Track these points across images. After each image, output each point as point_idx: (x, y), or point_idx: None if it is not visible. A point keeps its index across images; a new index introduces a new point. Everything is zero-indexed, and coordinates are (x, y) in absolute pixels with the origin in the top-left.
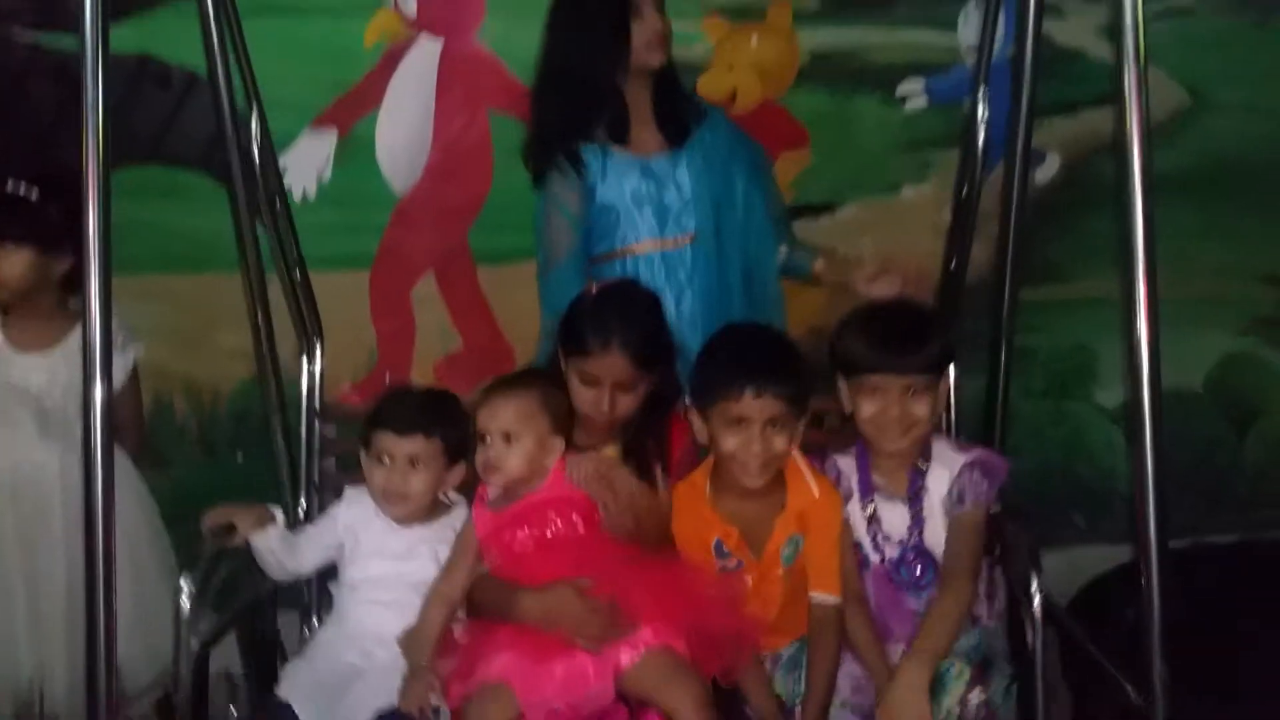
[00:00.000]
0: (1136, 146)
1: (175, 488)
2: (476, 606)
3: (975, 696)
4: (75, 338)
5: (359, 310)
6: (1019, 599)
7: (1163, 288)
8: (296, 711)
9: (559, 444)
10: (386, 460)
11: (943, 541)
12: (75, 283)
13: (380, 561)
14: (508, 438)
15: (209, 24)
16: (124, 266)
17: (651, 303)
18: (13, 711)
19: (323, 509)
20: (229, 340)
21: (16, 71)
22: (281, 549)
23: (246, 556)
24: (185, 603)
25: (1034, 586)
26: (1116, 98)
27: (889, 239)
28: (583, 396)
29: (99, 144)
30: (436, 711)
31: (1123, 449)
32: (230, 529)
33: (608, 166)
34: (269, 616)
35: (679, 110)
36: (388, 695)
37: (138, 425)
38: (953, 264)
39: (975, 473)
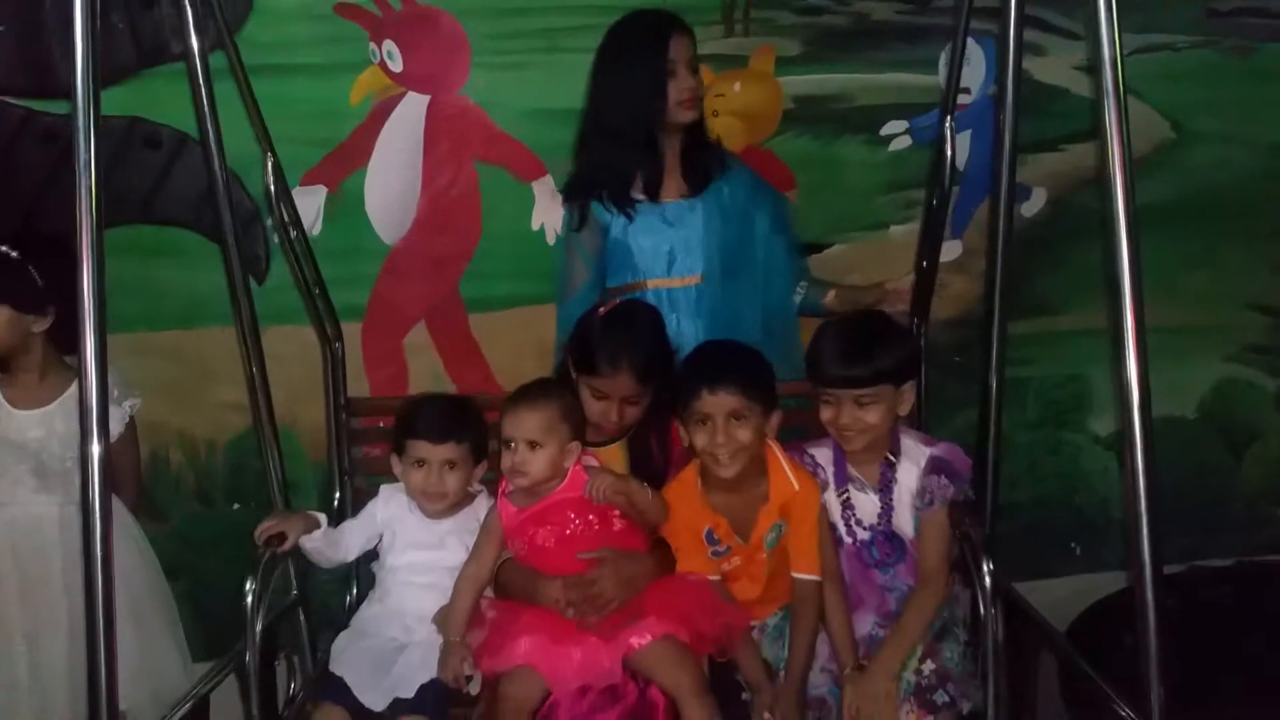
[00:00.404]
0: (1119, 180)
1: (173, 539)
2: (503, 587)
3: (928, 666)
4: (71, 393)
5: (352, 361)
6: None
7: (1152, 317)
8: (349, 683)
9: (577, 447)
10: (422, 465)
11: (909, 523)
12: (64, 340)
13: (416, 551)
14: (533, 445)
15: (199, 87)
16: (116, 324)
17: (654, 320)
18: None
19: (355, 497)
20: (223, 393)
21: (8, 137)
22: (326, 545)
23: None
24: (250, 599)
25: (984, 569)
26: (1098, 133)
27: (877, 277)
28: (593, 408)
29: (91, 206)
30: (470, 679)
31: (1118, 477)
32: (281, 537)
33: (626, 216)
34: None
35: (704, 162)
36: (428, 669)
37: (136, 478)
38: (923, 264)
39: (941, 477)
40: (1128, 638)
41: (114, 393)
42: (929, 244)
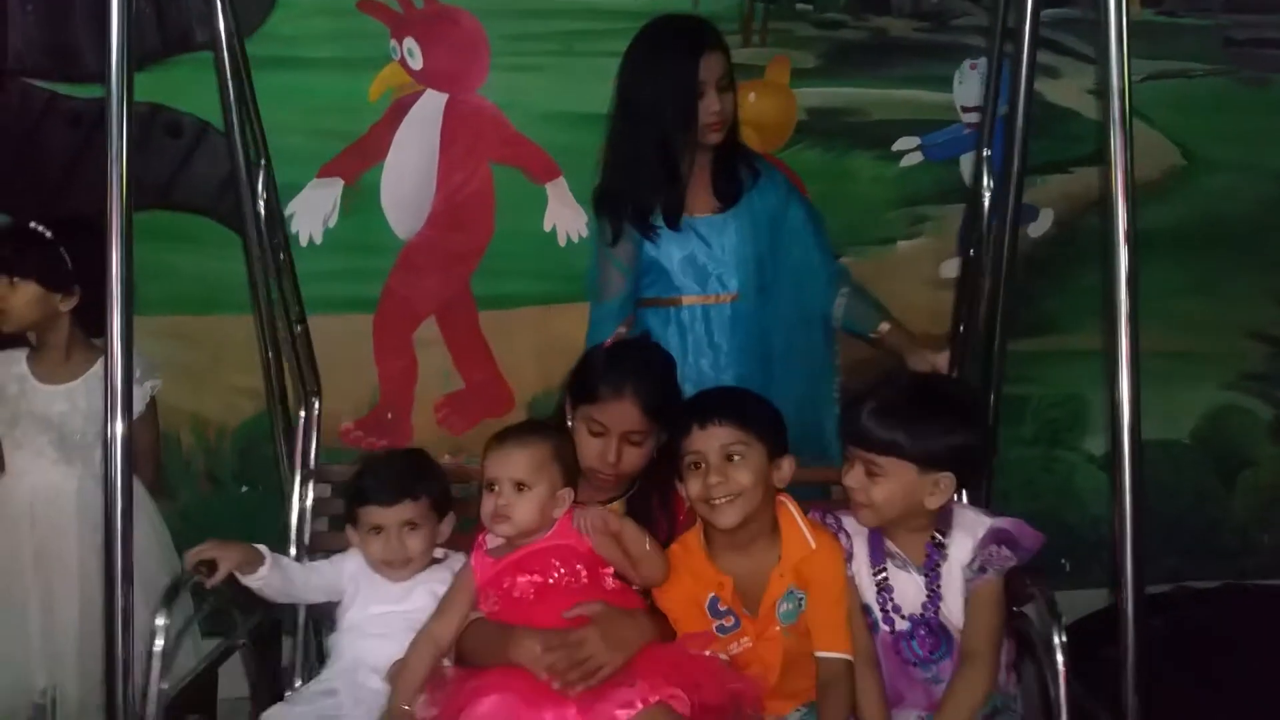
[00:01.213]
0: (1121, 205)
1: (180, 519)
2: (467, 652)
3: None
4: (95, 371)
5: (363, 351)
6: (1036, 651)
7: (1151, 342)
8: None
9: (568, 495)
10: (379, 532)
11: (959, 614)
12: (88, 319)
13: (379, 605)
14: (520, 486)
15: (225, 79)
16: (137, 307)
17: (665, 359)
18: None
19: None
20: (235, 378)
21: (35, 120)
22: (280, 580)
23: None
24: (158, 642)
25: (1055, 641)
26: (1103, 158)
27: (884, 292)
28: (589, 448)
29: (121, 190)
30: None
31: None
32: (213, 565)
33: (659, 229)
34: (273, 647)
35: (734, 176)
36: None
37: (154, 457)
38: (960, 328)
39: (1002, 548)
40: (1108, 652)
41: (136, 373)
42: (967, 304)
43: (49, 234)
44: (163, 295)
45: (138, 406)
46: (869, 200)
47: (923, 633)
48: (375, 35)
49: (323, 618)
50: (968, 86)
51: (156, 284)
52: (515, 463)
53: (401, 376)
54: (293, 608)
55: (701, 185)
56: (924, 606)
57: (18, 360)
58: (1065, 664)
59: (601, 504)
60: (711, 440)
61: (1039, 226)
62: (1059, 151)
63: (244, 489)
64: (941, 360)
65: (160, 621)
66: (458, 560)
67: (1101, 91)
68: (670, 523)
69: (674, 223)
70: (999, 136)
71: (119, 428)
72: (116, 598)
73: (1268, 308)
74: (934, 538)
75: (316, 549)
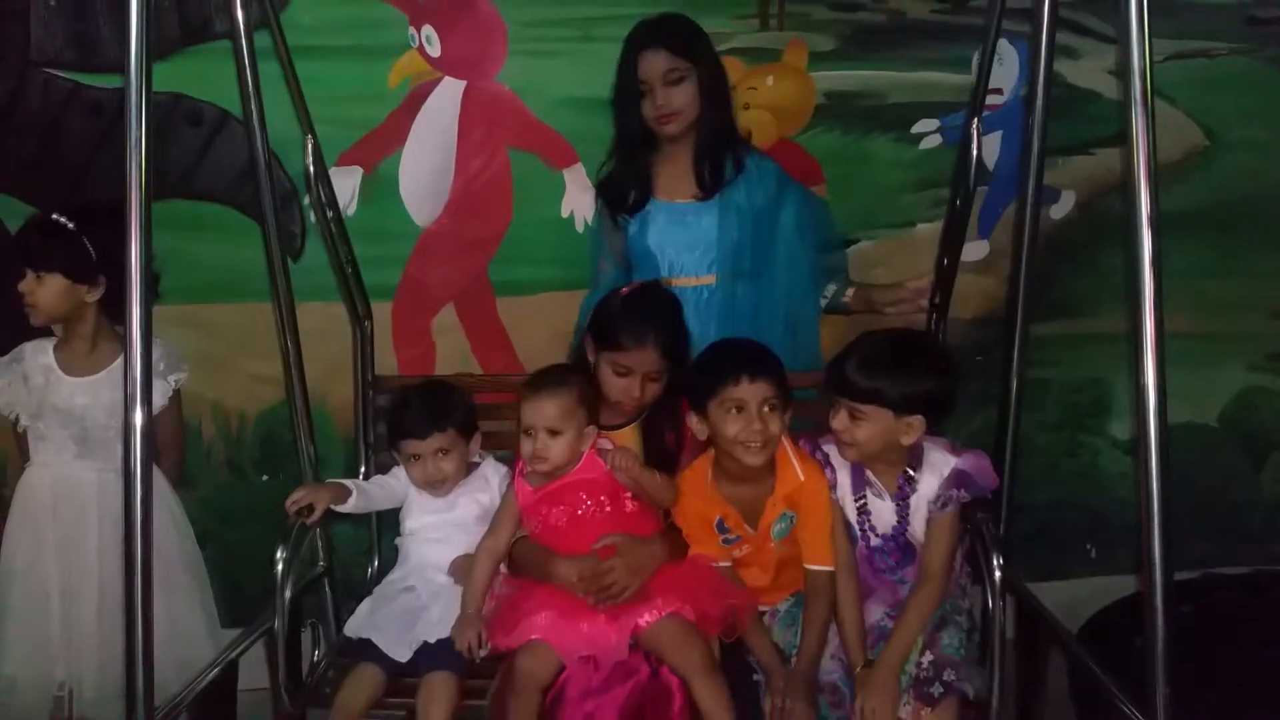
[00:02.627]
0: (1144, 186)
1: (202, 507)
2: (517, 563)
3: (926, 658)
4: (119, 364)
5: (382, 338)
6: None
7: (1176, 324)
8: (374, 641)
9: (593, 431)
10: (417, 459)
11: (922, 535)
12: (115, 308)
13: (429, 515)
14: (553, 433)
15: (243, 65)
16: (158, 297)
17: (674, 301)
18: (47, 712)
19: (380, 471)
20: (255, 366)
21: (56, 111)
22: (363, 502)
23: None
24: (280, 566)
25: (995, 563)
26: (1125, 139)
27: (903, 275)
28: (615, 385)
29: (140, 180)
30: (483, 647)
31: (1135, 481)
32: (310, 508)
33: (642, 215)
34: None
35: (715, 165)
36: (448, 625)
37: (177, 449)
38: (944, 261)
39: (961, 490)
40: (1137, 640)
41: (160, 365)
42: (951, 243)
43: (72, 225)
44: (182, 283)
45: (161, 400)
46: (888, 183)
47: (892, 547)
48: (394, 23)
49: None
50: None
51: (175, 272)
52: (548, 412)
53: (420, 362)
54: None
55: (683, 171)
56: (894, 529)
57: (45, 350)
58: (1001, 584)
59: (620, 427)
60: (756, 392)
61: (1060, 208)
62: (1080, 133)
63: (264, 478)
64: (923, 285)
65: (280, 555)
66: (490, 465)
67: (1122, 72)
68: (679, 441)
69: (636, 209)
70: (1017, 116)
71: (138, 418)
72: (136, 590)
73: None
74: (906, 473)
75: (380, 449)
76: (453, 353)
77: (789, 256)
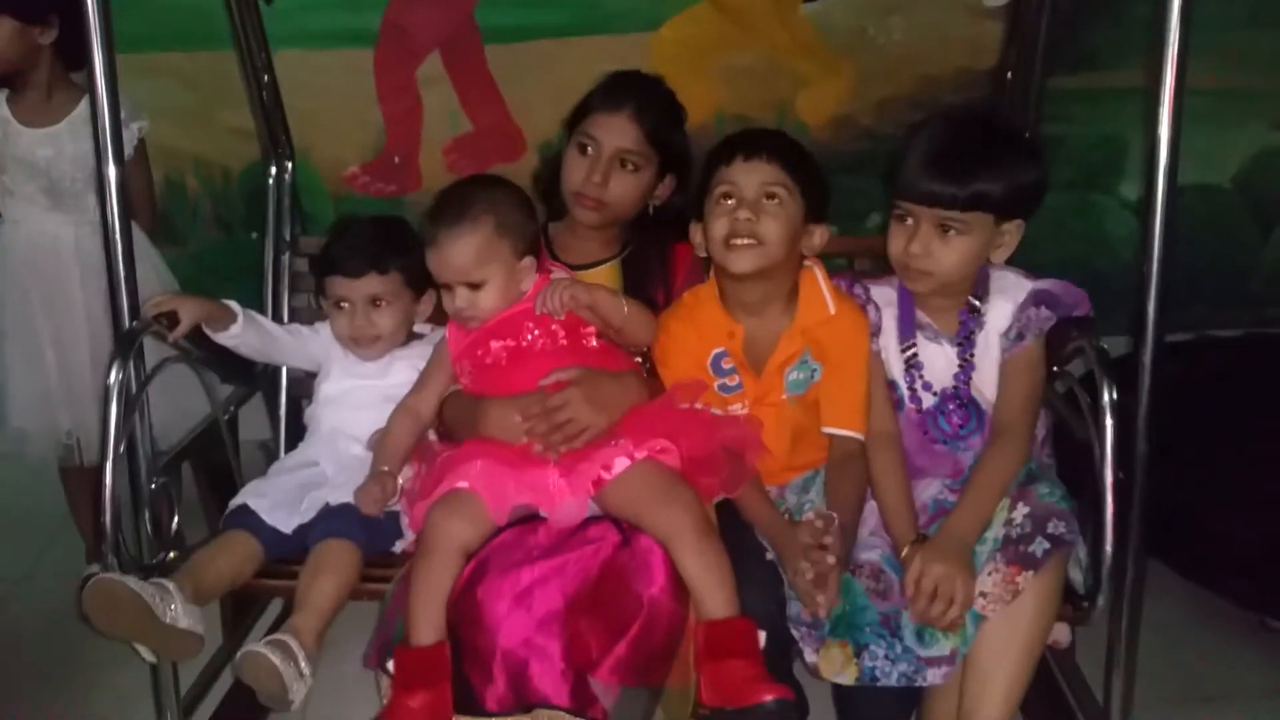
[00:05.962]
0: None
1: (193, 264)
2: (447, 426)
3: (1019, 512)
4: (79, 112)
5: (365, 90)
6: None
7: (1197, 78)
8: (253, 508)
9: (531, 263)
10: (345, 306)
11: (992, 387)
12: (70, 56)
13: (355, 379)
14: (472, 286)
15: None
16: (122, 44)
17: (673, 97)
18: (57, 458)
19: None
20: (234, 119)
21: None
22: (256, 338)
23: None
24: (112, 382)
25: (1105, 400)
26: None
27: (923, 23)
28: (575, 168)
29: None
30: (395, 516)
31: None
32: (174, 317)
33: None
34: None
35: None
36: (349, 492)
37: (149, 200)
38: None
39: (1041, 309)
40: (1126, 400)
41: (120, 114)
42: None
43: None
44: (146, 30)
45: (125, 149)
46: None
47: (951, 407)
48: None
49: (302, 395)
50: None
51: (137, 16)
52: (456, 261)
53: (406, 118)
54: (272, 384)
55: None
56: (955, 379)
57: None
58: (1114, 426)
59: (593, 266)
60: (753, 175)
61: None
62: None
63: (254, 235)
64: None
65: (114, 377)
66: (440, 336)
67: None
68: (666, 286)
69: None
70: None
71: (110, 171)
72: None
73: None
74: (970, 304)
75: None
76: (439, 108)
77: None
